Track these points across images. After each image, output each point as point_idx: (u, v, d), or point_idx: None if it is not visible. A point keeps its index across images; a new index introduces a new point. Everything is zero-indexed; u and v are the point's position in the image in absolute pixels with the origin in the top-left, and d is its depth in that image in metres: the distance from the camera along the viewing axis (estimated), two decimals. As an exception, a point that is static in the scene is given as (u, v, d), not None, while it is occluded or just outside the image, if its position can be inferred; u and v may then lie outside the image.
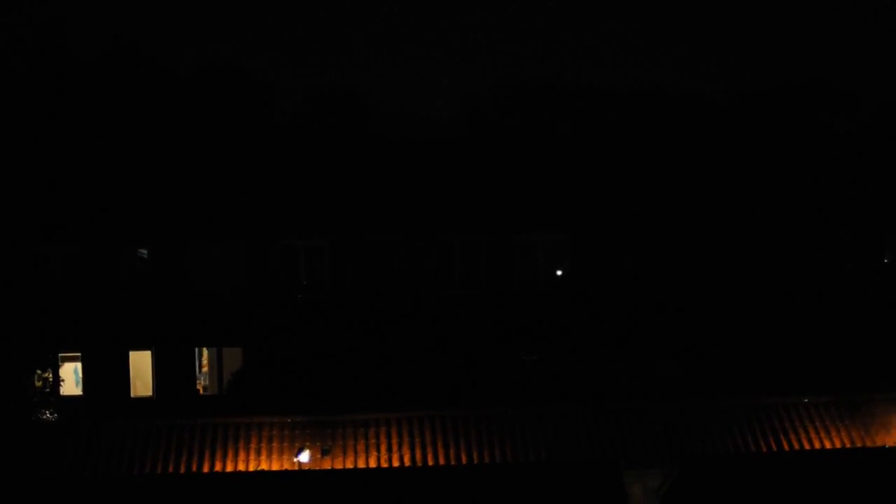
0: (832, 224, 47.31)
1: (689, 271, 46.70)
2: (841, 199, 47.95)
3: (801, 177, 48.79)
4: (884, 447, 31.51)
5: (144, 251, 46.71)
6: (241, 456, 31.06)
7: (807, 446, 31.51)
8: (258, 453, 31.14)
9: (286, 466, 30.85)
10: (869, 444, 31.75)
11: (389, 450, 31.16)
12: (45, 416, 42.17)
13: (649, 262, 47.19)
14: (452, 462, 30.81)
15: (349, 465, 30.88)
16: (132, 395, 46.41)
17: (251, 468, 30.81)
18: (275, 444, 31.33)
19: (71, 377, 46.22)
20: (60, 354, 46.11)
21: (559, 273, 47.29)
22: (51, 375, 44.56)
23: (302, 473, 30.26)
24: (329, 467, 30.86)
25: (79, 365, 46.42)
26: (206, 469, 30.74)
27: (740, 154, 50.24)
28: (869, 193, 48.16)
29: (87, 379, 46.20)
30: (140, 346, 46.42)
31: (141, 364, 46.62)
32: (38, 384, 43.24)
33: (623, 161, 49.88)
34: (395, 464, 30.87)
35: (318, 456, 31.10)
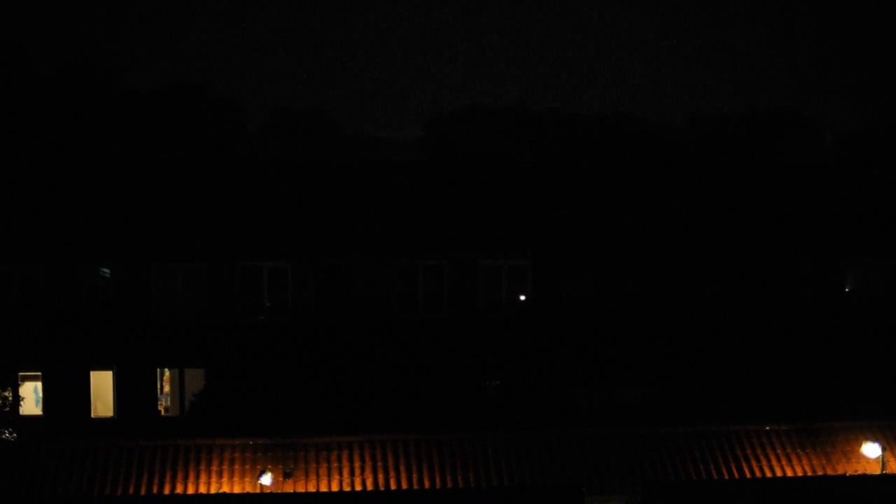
0: (794, 253, 47.57)
1: (651, 298, 46.86)
2: (802, 228, 48.25)
3: (762, 204, 49.10)
4: (844, 475, 31.69)
5: (106, 270, 46.51)
6: (203, 478, 30.94)
7: (768, 473, 31.65)
8: (220, 475, 31.03)
9: (248, 489, 30.76)
10: (829, 471, 31.94)
11: (352, 473, 31.12)
12: (4, 436, 41.91)
13: (612, 288, 47.34)
14: (415, 486, 30.79)
15: (311, 489, 30.81)
16: (93, 415, 46.15)
17: (213, 490, 30.69)
18: (237, 467, 31.23)
19: (31, 396, 45.93)
20: (20, 373, 45.83)
21: (522, 298, 47.38)
22: (10, 394, 44.31)
23: (264, 496, 30.19)
24: (291, 490, 30.78)
25: (39, 384, 46.13)
26: (167, 491, 30.60)
27: (702, 180, 50.55)
28: (830, 223, 48.49)
29: (48, 398, 45.92)
30: (101, 366, 46.19)
31: (102, 384, 46.38)
32: (-2, 403, 43.01)
33: (586, 186, 50.11)
34: (358, 487, 30.83)
35: (281, 479, 31.02)
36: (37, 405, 45.98)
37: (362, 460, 31.30)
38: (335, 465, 31.24)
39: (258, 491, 30.51)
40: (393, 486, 30.77)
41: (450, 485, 30.82)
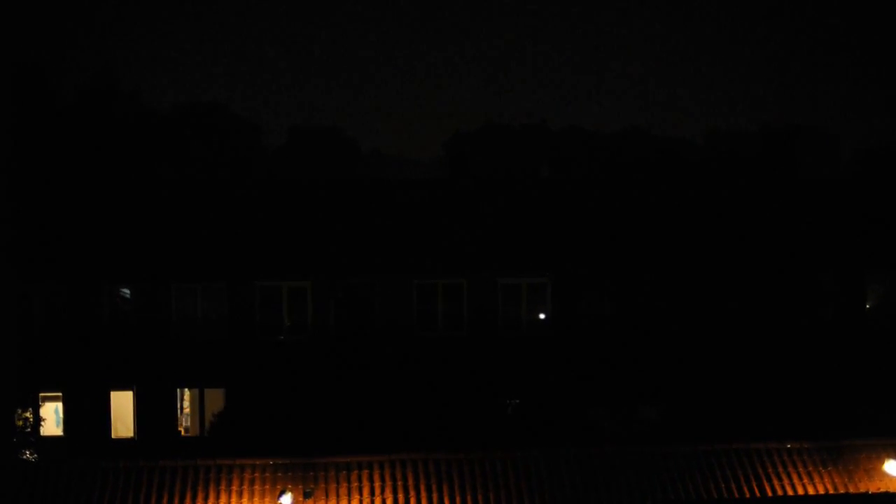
0: (815, 269, 47.46)
1: (671, 315, 46.79)
2: (823, 244, 48.14)
3: (781, 221, 49.01)
4: (867, 493, 31.55)
5: (127, 291, 46.65)
6: (223, 498, 30.92)
7: (790, 492, 31.50)
8: (240, 495, 31.01)
9: (268, 509, 30.74)
10: (852, 489, 31.78)
11: (372, 493, 31.08)
12: (25, 457, 42.03)
13: (631, 305, 47.28)
14: (435, 506, 30.75)
15: (331, 509, 30.77)
16: (113, 435, 46.25)
17: (233, 511, 30.67)
18: (256, 487, 31.20)
19: (52, 417, 46.06)
20: (41, 394, 45.97)
21: (542, 316, 47.34)
22: (31, 415, 44.44)
23: (284, 516, 30.15)
24: (311, 510, 30.75)
25: (60, 405, 46.25)
26: (187, 511, 30.59)
27: (721, 196, 50.48)
28: (852, 239, 48.36)
29: (68, 419, 46.02)
30: (121, 387, 46.30)
31: (122, 404, 46.48)
32: (19, 424, 43.11)
33: (605, 203, 50.09)
34: (378, 507, 30.79)
35: (301, 498, 31.00)
36: (57, 426, 46.12)
37: (382, 480, 31.27)
38: (355, 484, 31.21)
39: (278, 511, 30.51)
40: (413, 506, 30.74)
41: (470, 504, 30.77)
